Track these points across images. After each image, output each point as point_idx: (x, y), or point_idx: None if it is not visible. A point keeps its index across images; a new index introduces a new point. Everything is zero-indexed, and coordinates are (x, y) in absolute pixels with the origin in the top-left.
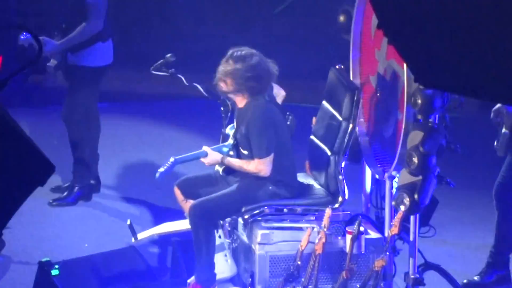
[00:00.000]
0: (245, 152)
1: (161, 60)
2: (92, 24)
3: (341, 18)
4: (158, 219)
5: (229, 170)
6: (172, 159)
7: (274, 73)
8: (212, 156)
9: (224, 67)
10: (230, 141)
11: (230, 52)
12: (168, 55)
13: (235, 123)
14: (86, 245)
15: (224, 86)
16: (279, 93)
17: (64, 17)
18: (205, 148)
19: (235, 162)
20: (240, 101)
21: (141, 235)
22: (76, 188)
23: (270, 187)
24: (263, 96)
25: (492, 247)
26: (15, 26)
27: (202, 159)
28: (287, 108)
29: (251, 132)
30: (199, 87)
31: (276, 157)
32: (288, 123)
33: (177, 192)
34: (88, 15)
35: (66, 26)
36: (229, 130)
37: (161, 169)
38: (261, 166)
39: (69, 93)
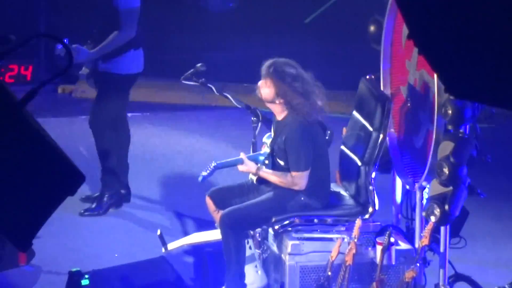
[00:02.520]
0: (281, 163)
1: (192, 70)
2: (125, 31)
3: (372, 28)
4: (189, 229)
5: (262, 179)
6: (214, 163)
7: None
8: (247, 165)
9: (275, 78)
10: (266, 149)
11: (281, 62)
12: (199, 64)
13: (272, 133)
14: (116, 255)
15: (267, 94)
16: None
17: (96, 25)
18: (242, 156)
19: (271, 175)
20: (279, 113)
21: (172, 245)
22: (106, 197)
23: (302, 198)
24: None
25: None
26: (45, 35)
27: (238, 166)
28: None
29: (289, 146)
30: (229, 96)
31: (312, 170)
32: (327, 137)
33: (209, 202)
34: (121, 23)
35: (99, 33)
36: (266, 139)
37: (204, 173)
38: (297, 180)
39: (97, 100)
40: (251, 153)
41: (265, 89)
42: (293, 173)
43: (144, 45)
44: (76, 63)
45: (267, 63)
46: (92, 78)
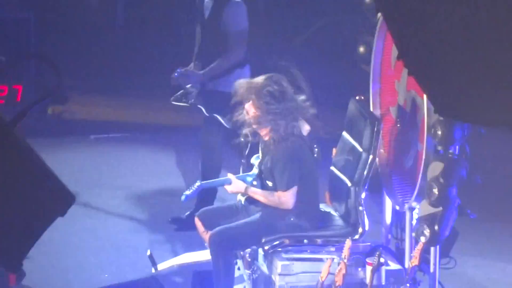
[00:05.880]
0: (270, 184)
1: (182, 91)
2: (235, 54)
3: (361, 49)
4: (179, 250)
5: (251, 200)
6: (198, 183)
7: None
8: (236, 185)
9: (257, 99)
10: (255, 170)
11: (265, 82)
12: (188, 85)
13: (260, 154)
14: (106, 275)
15: (250, 117)
16: (304, 127)
17: (203, 47)
18: (229, 176)
19: (259, 194)
20: (265, 134)
21: (162, 266)
22: None
23: (292, 218)
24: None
25: None
26: (34, 56)
27: (226, 186)
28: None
29: (275, 165)
30: (219, 117)
31: (300, 189)
32: (315, 155)
33: (198, 223)
34: (231, 45)
35: (207, 55)
36: (254, 160)
37: (187, 192)
38: (283, 199)
39: (208, 118)
40: (240, 174)
41: (249, 112)
42: (280, 192)
43: (250, 62)
44: (187, 84)
45: (246, 85)
46: (200, 97)
